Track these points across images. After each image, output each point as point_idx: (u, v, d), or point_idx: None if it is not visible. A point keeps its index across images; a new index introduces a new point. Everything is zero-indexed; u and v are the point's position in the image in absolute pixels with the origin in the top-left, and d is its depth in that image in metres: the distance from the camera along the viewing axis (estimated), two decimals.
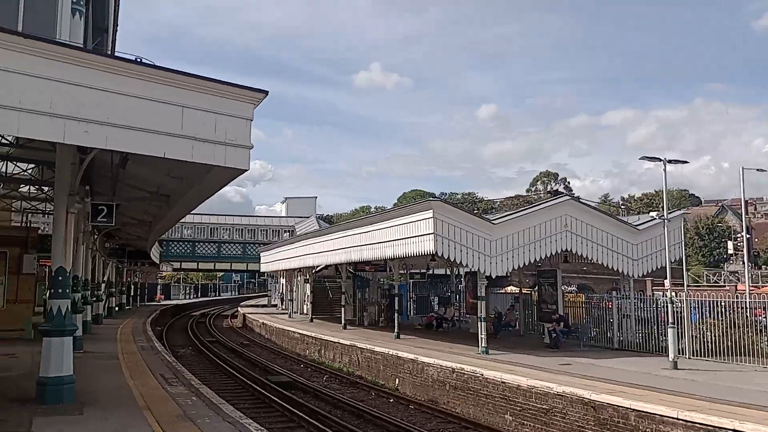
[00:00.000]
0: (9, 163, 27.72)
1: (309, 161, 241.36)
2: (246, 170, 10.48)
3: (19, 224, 36.64)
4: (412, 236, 19.29)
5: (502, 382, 14.33)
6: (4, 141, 23.72)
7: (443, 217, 18.12)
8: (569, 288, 36.51)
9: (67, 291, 11.10)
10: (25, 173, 28.73)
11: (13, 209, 41.47)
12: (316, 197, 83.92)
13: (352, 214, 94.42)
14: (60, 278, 10.92)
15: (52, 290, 10.86)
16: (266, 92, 10.06)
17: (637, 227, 21.44)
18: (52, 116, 8.10)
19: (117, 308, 42.66)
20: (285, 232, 61.72)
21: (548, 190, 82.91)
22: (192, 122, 9.24)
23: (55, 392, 10.19)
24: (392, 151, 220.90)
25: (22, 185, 32.06)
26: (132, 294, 55.88)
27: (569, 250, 20.08)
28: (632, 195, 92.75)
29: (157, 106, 9.01)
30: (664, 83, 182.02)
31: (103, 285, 35.41)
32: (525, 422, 13.48)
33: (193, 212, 56.33)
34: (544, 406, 13.07)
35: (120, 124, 8.66)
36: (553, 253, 20.00)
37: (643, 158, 17.87)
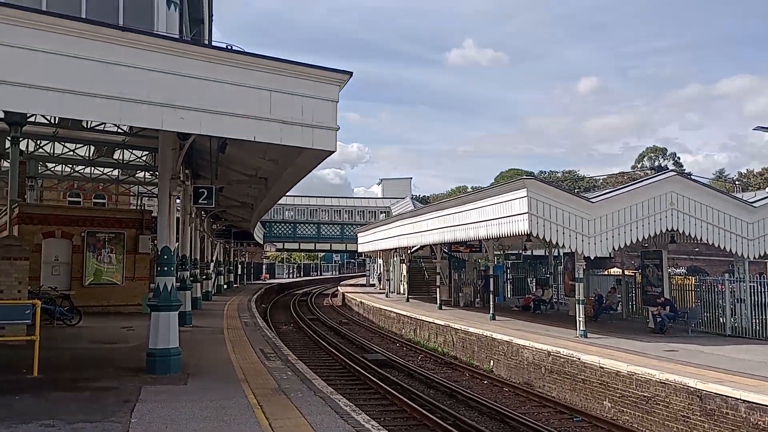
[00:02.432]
0: (125, 150, 29.99)
1: (405, 142, 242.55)
2: (333, 151, 10.65)
3: (135, 207, 39.47)
4: (506, 216, 18.89)
5: (601, 367, 13.82)
6: (119, 131, 25.57)
7: (538, 196, 17.59)
8: (678, 270, 34.55)
9: (172, 269, 11.81)
10: (140, 160, 30.91)
11: (131, 194, 44.78)
12: (411, 178, 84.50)
13: (448, 195, 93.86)
14: (165, 257, 11.62)
15: (159, 268, 11.59)
16: (350, 73, 10.15)
17: (753, 204, 19.83)
18: (150, 104, 8.54)
19: (225, 286, 45.07)
20: (381, 213, 62.45)
21: (655, 166, 78.51)
22: (279, 106, 9.50)
23: (163, 363, 10.93)
24: (489, 130, 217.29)
25: (138, 171, 34.56)
26: (239, 273, 58.75)
27: (676, 229, 18.93)
28: (751, 170, 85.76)
29: (247, 92, 9.33)
30: None
31: (211, 264, 37.48)
32: (624, 409, 12.95)
33: (293, 194, 58.39)
34: (645, 394, 12.48)
35: (212, 110, 9.05)
36: (657, 233, 18.93)
37: (758, 128, 16.56)
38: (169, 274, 11.55)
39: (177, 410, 8.33)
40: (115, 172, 35.39)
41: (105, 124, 24.05)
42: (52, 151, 29.07)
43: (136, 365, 11.46)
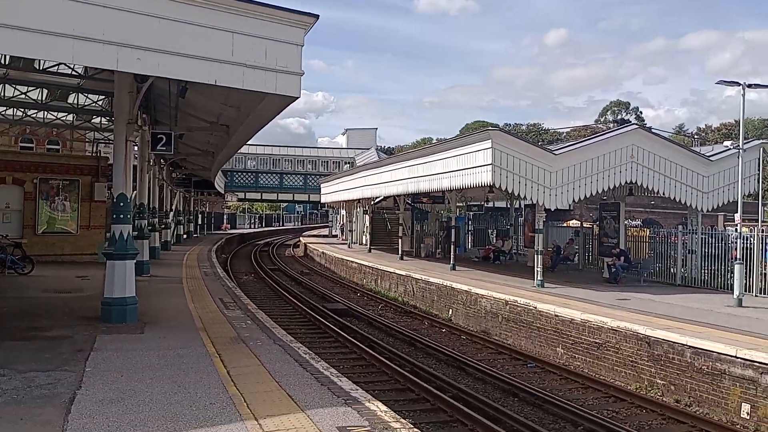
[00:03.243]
0: (80, 94, 28.81)
1: (371, 91, 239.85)
2: (297, 97, 10.40)
3: (90, 154, 38.28)
4: (470, 167, 18.91)
5: (555, 315, 14.18)
6: (74, 73, 24.46)
7: (502, 147, 17.60)
8: (634, 222, 35.44)
9: (128, 216, 11.54)
10: (96, 105, 29.75)
11: (86, 140, 43.36)
12: (377, 128, 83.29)
13: (413, 146, 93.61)
14: (121, 204, 11.34)
15: (114, 216, 11.32)
16: (317, 16, 9.84)
17: (710, 158, 20.28)
18: (105, 43, 8.14)
19: (185, 236, 44.55)
20: (345, 163, 62.01)
21: (618, 119, 79.50)
22: (242, 48, 9.18)
23: (119, 312, 10.78)
24: (455, 80, 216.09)
25: (93, 116, 33.36)
26: (199, 222, 58.07)
27: (634, 181, 19.25)
28: (710, 125, 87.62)
29: (208, 32, 8.95)
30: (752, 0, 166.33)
31: (170, 213, 36.85)
32: (576, 355, 13.37)
33: (255, 143, 57.36)
34: (597, 341, 12.89)
35: (171, 51, 8.68)
36: (617, 185, 19.25)
37: (719, 83, 16.85)
38: (125, 222, 11.29)
39: (133, 359, 8.26)
40: (70, 117, 34.10)
41: (58, 65, 23.00)
42: (2, 94, 27.73)
43: (91, 314, 11.29)
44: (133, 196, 19.88)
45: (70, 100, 29.20)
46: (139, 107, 14.17)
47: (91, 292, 14.15)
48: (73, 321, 10.84)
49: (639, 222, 38.64)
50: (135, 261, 11.62)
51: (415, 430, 6.16)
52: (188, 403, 6.45)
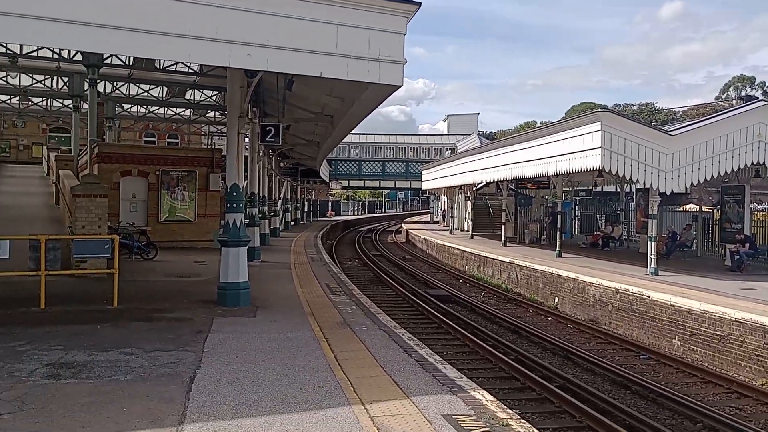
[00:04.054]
0: (196, 91, 30.65)
1: (472, 76, 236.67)
2: (400, 86, 10.42)
3: (205, 146, 40.52)
4: (577, 151, 18.22)
5: (671, 305, 13.43)
6: (190, 71, 26.00)
7: (612, 129, 16.81)
8: (760, 207, 32.78)
9: (241, 205, 12.12)
10: (210, 100, 31.51)
11: (202, 133, 45.97)
12: (478, 114, 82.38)
13: (516, 130, 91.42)
14: (234, 194, 11.92)
15: (228, 205, 11.92)
16: (419, 3, 9.80)
17: None
18: (218, 41, 8.53)
19: (293, 223, 46.20)
20: (446, 150, 61.71)
21: (742, 96, 73.60)
22: (346, 40, 9.29)
23: (233, 296, 11.37)
24: (560, 62, 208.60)
25: (208, 111, 35.42)
26: (306, 210, 59.96)
27: (762, 162, 17.79)
28: None
29: (313, 26, 9.14)
30: None
31: (279, 201, 38.33)
32: (695, 348, 12.61)
33: (358, 132, 58.39)
34: (718, 333, 12.09)
35: (279, 46, 8.95)
36: (742, 167, 17.84)
37: None
38: (238, 211, 11.86)
39: (247, 341, 8.68)
40: (187, 113, 36.42)
41: (176, 64, 24.55)
42: (127, 92, 30.02)
43: (208, 298, 11.99)
44: (245, 185, 20.86)
45: (187, 96, 31.18)
46: (249, 101, 14.81)
47: (207, 277, 15.02)
48: (192, 304, 11.55)
49: (766, 206, 35.67)
50: (247, 247, 12.19)
51: (523, 421, 6.05)
52: (298, 386, 6.70)
